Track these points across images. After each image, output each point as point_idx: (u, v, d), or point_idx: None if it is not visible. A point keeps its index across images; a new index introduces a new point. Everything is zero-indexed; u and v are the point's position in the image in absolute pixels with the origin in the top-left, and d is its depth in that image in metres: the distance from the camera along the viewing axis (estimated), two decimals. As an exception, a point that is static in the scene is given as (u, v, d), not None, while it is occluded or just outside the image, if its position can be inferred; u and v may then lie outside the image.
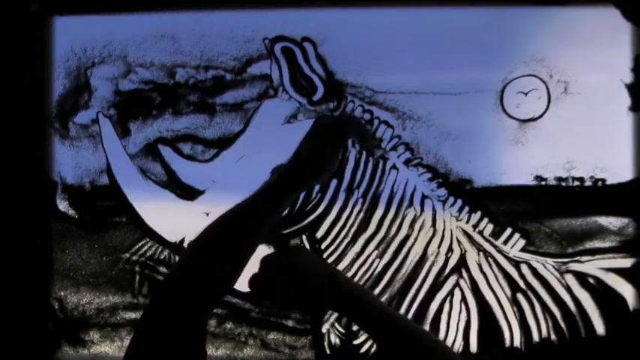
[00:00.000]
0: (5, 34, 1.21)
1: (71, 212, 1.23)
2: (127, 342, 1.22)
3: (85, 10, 1.22)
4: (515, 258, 1.17)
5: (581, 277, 1.16)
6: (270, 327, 1.20)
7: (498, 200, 1.17)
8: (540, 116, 1.16)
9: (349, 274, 1.18)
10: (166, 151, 1.21)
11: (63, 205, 1.23)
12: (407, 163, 1.18)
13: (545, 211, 1.17)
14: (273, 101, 1.19)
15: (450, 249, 1.18)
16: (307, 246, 1.20)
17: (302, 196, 1.18)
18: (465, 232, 1.18)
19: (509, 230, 1.17)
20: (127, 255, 1.22)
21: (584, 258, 1.16)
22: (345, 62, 1.18)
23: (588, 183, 1.16)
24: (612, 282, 1.15)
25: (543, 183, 1.17)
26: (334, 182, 1.18)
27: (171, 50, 1.20)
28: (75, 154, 1.23)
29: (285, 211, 0.80)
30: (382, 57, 1.17)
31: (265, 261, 0.73)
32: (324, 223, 1.19)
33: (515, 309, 1.15)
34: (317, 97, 1.17)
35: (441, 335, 1.16)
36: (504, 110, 1.17)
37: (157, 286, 0.85)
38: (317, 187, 1.18)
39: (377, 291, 1.17)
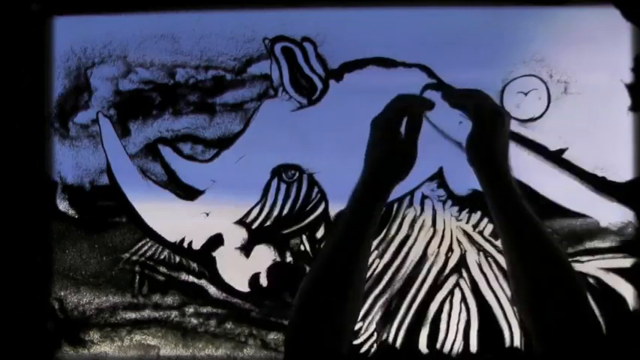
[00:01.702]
0: (5, 34, 1.21)
1: (71, 212, 1.23)
2: (126, 342, 1.23)
3: (85, 10, 1.22)
4: (515, 258, 1.16)
5: (581, 277, 1.16)
6: (270, 327, 1.20)
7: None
8: (540, 116, 1.16)
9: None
10: (166, 151, 1.21)
11: (63, 205, 1.23)
12: (407, 163, 1.18)
13: (545, 211, 1.16)
14: (273, 101, 1.19)
15: (450, 249, 1.17)
16: (307, 247, 1.20)
17: (302, 195, 1.18)
18: (465, 232, 1.18)
19: (509, 230, 1.16)
20: (127, 255, 1.22)
21: (584, 258, 1.16)
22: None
23: (588, 183, 1.16)
24: (612, 282, 1.15)
25: (543, 183, 1.17)
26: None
27: (171, 50, 1.20)
28: (75, 154, 1.23)
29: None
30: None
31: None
32: (324, 223, 1.19)
33: (515, 309, 1.15)
34: (317, 97, 1.17)
35: (441, 335, 1.16)
36: (504, 110, 1.17)
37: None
38: (316, 189, 1.18)
39: (377, 291, 1.17)
